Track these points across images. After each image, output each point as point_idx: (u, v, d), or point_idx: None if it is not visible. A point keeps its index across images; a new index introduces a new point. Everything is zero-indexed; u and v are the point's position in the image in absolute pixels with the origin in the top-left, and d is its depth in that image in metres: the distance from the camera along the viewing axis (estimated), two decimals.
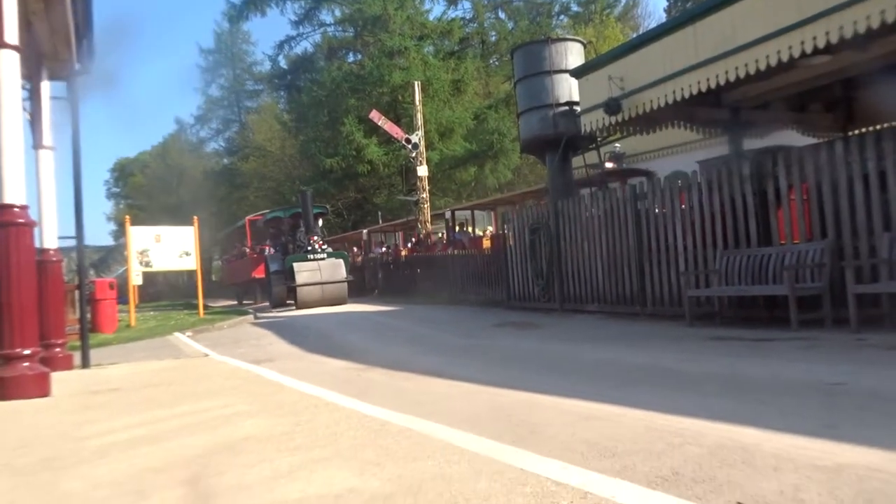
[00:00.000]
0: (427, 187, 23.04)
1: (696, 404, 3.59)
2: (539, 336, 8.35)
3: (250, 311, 18.23)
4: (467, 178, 32.11)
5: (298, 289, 16.83)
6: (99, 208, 73.81)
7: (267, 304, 19.97)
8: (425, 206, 22.69)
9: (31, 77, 6.70)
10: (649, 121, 9.80)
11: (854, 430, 2.86)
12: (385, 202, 31.93)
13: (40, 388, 4.72)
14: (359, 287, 21.04)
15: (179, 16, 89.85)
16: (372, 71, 30.46)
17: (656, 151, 18.51)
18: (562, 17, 40.39)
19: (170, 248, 16.35)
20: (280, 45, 39.06)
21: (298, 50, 39.03)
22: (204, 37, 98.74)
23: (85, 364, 6.79)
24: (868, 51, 7.17)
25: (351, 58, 37.10)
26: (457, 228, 22.14)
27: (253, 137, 43.90)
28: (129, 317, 15.12)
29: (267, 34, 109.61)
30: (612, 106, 9.06)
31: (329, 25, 37.42)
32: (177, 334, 11.89)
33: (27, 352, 4.71)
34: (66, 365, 6.50)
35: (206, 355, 7.81)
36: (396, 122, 25.79)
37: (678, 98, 8.24)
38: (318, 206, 21.75)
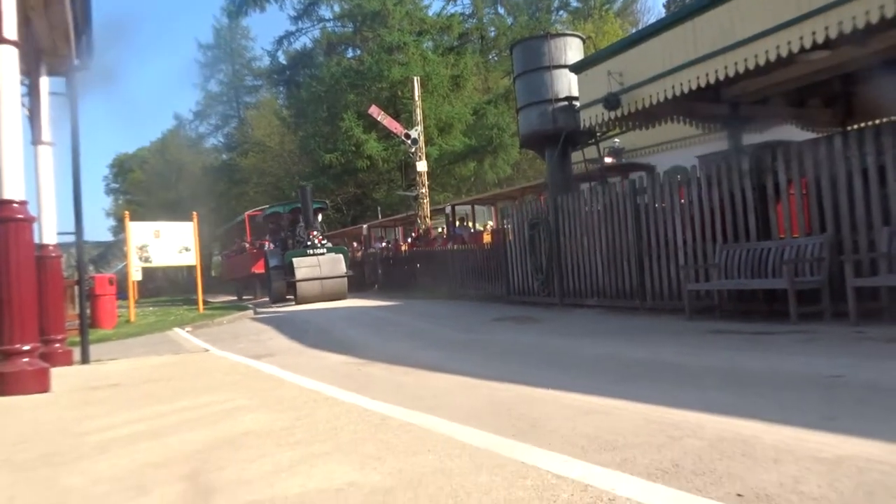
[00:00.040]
0: (426, 182, 23.01)
1: (696, 398, 3.60)
2: (539, 330, 8.36)
3: (250, 306, 18.22)
4: (467, 174, 32.08)
5: (298, 284, 16.83)
6: (98, 204, 73.87)
7: (266, 299, 19.98)
8: (425, 201, 22.67)
9: (30, 73, 6.69)
10: (648, 116, 9.79)
11: (853, 422, 2.86)
12: (384, 197, 31.90)
13: (40, 384, 4.72)
14: (358, 282, 21.04)
15: (178, 11, 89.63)
16: (371, 66, 30.41)
17: (656, 146, 18.49)
18: (561, 12, 40.37)
19: (169, 243, 16.33)
20: (279, 41, 38.97)
21: (297, 45, 38.94)
22: (203, 32, 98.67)
23: (84, 359, 6.80)
24: (867, 46, 7.16)
25: (350, 53, 37.02)
26: (457, 223, 22.13)
27: (252, 133, 43.85)
28: (128, 312, 15.11)
29: (266, 30, 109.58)
30: (611, 101, 9.05)
31: (328, 21, 37.32)
32: (176, 330, 11.89)
33: (27, 347, 4.71)
34: (66, 360, 6.51)
35: (206, 351, 7.82)
36: (396, 117, 25.76)
37: (677, 93, 8.23)
38: (318, 201, 21.74)
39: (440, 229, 24.02)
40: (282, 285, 18.04)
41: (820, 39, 6.44)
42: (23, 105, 6.28)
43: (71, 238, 7.20)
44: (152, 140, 57.56)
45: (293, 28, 37.55)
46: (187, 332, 11.55)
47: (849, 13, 6.15)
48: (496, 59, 36.76)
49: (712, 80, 7.76)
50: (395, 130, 23.56)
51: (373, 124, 27.40)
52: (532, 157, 28.78)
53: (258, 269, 22.12)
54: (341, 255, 17.97)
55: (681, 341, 6.36)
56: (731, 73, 7.46)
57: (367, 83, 30.69)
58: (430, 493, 2.07)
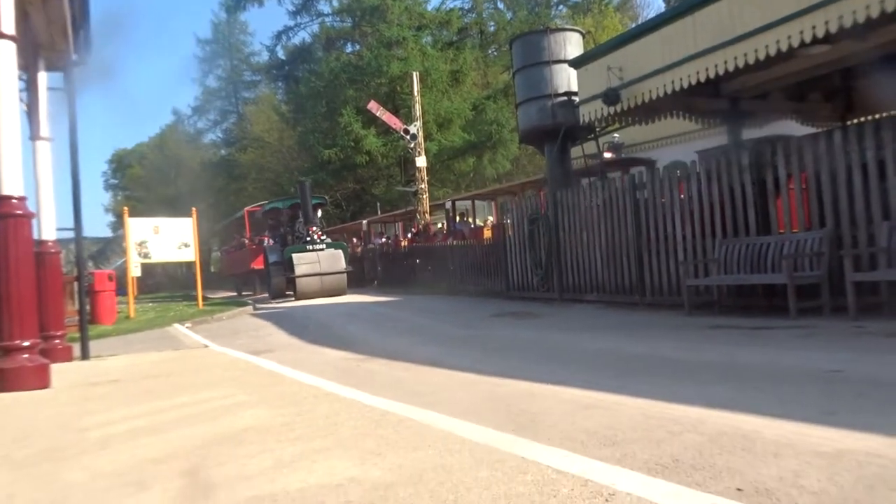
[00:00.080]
0: (426, 178, 22.99)
1: (696, 393, 3.60)
2: (538, 326, 8.37)
3: (249, 302, 18.22)
4: (466, 169, 32.06)
5: (297, 280, 16.83)
6: (97, 200, 73.66)
7: (266, 295, 19.98)
8: (424, 196, 22.66)
9: (28, 68, 6.67)
10: (648, 111, 9.78)
11: (853, 416, 2.87)
12: (384, 193, 31.89)
13: (40, 380, 4.72)
14: (358, 278, 21.04)
15: (177, 6, 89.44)
16: (370, 61, 30.35)
17: (655, 141, 18.49)
18: (560, 7, 40.26)
19: (168, 239, 16.32)
20: (278, 36, 38.92)
21: (296, 40, 38.90)
22: (201, 27, 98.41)
23: (84, 355, 6.80)
24: (867, 40, 7.15)
25: (349, 48, 36.96)
26: (457, 219, 22.12)
27: (251, 128, 43.79)
28: (128, 308, 15.12)
29: (264, 25, 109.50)
30: (610, 96, 9.04)
31: (327, 16, 37.27)
32: (176, 325, 11.90)
33: (26, 343, 4.71)
34: (66, 356, 6.51)
35: (206, 346, 7.82)
36: (395, 112, 25.72)
37: (677, 88, 8.22)
38: (317, 196, 21.73)
39: (440, 225, 24.01)
40: (281, 281, 18.04)
41: (820, 34, 6.43)
42: (21, 100, 6.27)
43: (70, 234, 7.19)
44: (151, 135, 57.49)
45: (292, 23, 37.53)
46: (187, 328, 11.56)
47: (849, 7, 6.14)
48: (495, 53, 36.68)
49: (712, 75, 7.75)
50: (394, 126, 23.53)
51: (372, 120, 27.38)
52: (531, 153, 28.76)
53: (257, 264, 22.12)
54: (341, 251, 17.97)
55: (680, 336, 6.36)
56: (731, 68, 7.45)
57: (366, 78, 30.64)
58: (430, 488, 2.07)
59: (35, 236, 5.47)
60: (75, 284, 8.89)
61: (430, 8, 35.41)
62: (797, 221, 7.51)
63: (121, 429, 3.26)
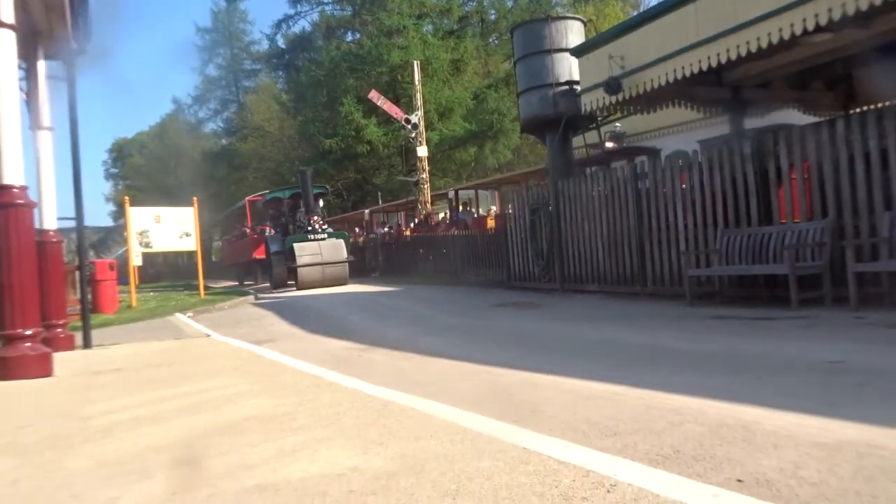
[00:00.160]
0: (427, 168, 22.96)
1: (697, 383, 3.61)
2: (539, 316, 8.38)
3: (251, 291, 18.25)
4: (467, 159, 31.99)
5: (299, 269, 16.83)
6: (97, 189, 73.66)
7: (267, 284, 20.00)
8: (425, 186, 22.63)
9: (27, 57, 6.64)
10: (650, 100, 9.73)
11: (853, 407, 2.87)
12: (385, 183, 31.84)
13: (42, 368, 4.74)
14: (359, 267, 21.05)
15: None
16: (371, 50, 30.21)
17: (657, 131, 18.42)
18: None
19: (170, 228, 16.32)
20: (278, 24, 38.81)
21: (296, 29, 38.76)
22: (201, 15, 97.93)
23: (86, 344, 6.82)
24: (870, 28, 7.10)
25: (349, 37, 36.81)
26: (460, 208, 22.10)
27: (251, 118, 43.68)
28: (129, 297, 15.14)
29: (264, 13, 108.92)
30: (612, 85, 9.00)
31: (327, 4, 37.09)
32: (178, 315, 11.92)
33: (29, 332, 4.73)
34: (68, 345, 6.53)
35: (208, 336, 7.84)
36: (395, 102, 25.65)
37: (679, 77, 8.18)
38: (318, 186, 21.69)
39: (442, 215, 23.99)
40: (283, 271, 18.05)
41: (823, 21, 6.39)
42: (21, 89, 6.25)
43: (71, 223, 7.19)
44: (151, 125, 57.39)
45: (292, 11, 37.38)
46: (188, 317, 11.58)
47: None
48: (496, 42, 36.50)
49: (714, 64, 7.71)
50: (395, 115, 23.48)
51: (373, 109, 27.30)
52: (533, 142, 28.68)
53: (259, 254, 22.13)
54: (342, 241, 17.95)
55: (681, 327, 6.37)
56: (734, 57, 7.41)
57: (366, 67, 30.52)
58: (432, 478, 2.08)
59: (36, 226, 5.48)
60: (77, 273, 8.90)
61: None
62: (799, 211, 7.50)
63: (123, 417, 3.27)
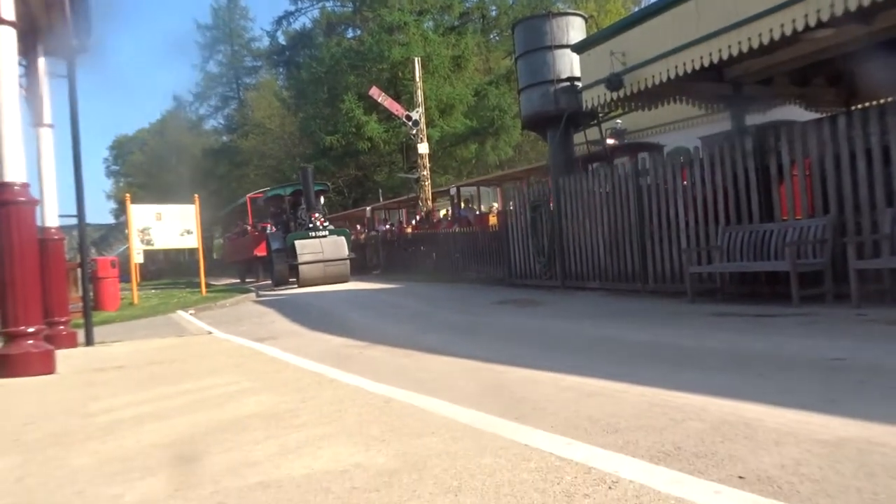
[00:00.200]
0: (428, 165, 22.96)
1: (698, 380, 3.61)
2: (540, 313, 8.38)
3: (252, 289, 18.27)
4: (468, 156, 31.98)
5: (300, 267, 16.82)
6: (98, 186, 73.77)
7: (269, 282, 20.01)
8: (426, 183, 22.62)
9: (28, 54, 6.64)
10: (651, 96, 9.72)
11: (855, 404, 2.88)
12: (386, 180, 31.84)
13: (45, 366, 4.75)
14: (361, 265, 21.04)
15: None
16: (371, 47, 30.19)
17: (658, 127, 18.40)
18: None
19: (171, 226, 16.33)
20: (278, 21, 38.87)
21: (297, 26, 38.80)
22: (201, 12, 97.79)
23: (89, 342, 6.83)
24: (872, 24, 7.08)
25: (350, 33, 36.81)
26: (462, 205, 22.08)
27: (252, 115, 43.69)
28: (131, 295, 15.16)
29: (265, 10, 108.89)
30: (613, 81, 8.98)
31: (328, 0, 37.05)
32: (179, 312, 11.93)
33: (31, 329, 4.74)
34: (70, 342, 6.54)
35: (209, 333, 7.85)
36: (396, 98, 25.62)
37: (680, 73, 8.16)
38: (319, 183, 21.66)
39: (444, 212, 23.98)
40: (284, 268, 18.04)
41: (824, 17, 6.37)
42: (21, 86, 6.25)
43: (72, 221, 7.20)
44: (152, 121, 57.40)
45: (292, 8, 37.44)
46: (190, 314, 11.59)
47: None
48: (497, 38, 36.47)
49: (716, 60, 7.69)
50: (395, 112, 23.47)
51: (373, 106, 27.30)
52: (534, 139, 28.67)
53: (260, 251, 22.13)
54: (344, 238, 17.94)
55: (683, 324, 6.38)
56: (735, 53, 7.39)
57: (367, 64, 30.50)
58: (434, 474, 2.08)
59: (38, 223, 5.49)
60: (78, 271, 8.91)
61: None
62: (800, 208, 7.48)
63: (126, 414, 3.28)
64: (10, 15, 4.75)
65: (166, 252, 32.04)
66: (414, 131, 22.62)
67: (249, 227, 25.04)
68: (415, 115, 22.29)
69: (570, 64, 11.45)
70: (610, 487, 1.88)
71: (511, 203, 13.00)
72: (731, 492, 1.83)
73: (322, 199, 20.61)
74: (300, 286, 16.78)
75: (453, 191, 22.86)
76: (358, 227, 27.63)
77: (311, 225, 17.69)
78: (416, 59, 23.61)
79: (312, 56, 34.89)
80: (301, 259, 16.78)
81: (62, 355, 5.21)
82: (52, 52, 7.03)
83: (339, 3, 37.03)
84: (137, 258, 16.21)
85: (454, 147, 31.31)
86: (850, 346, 4.37)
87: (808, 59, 8.84)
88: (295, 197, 20.27)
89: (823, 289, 6.68)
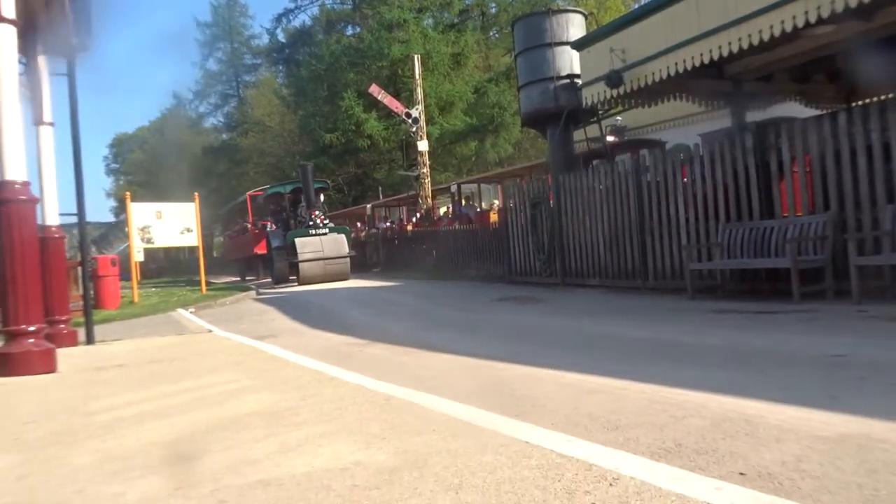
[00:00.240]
0: (427, 162, 22.93)
1: (699, 377, 3.61)
2: (540, 310, 8.38)
3: (252, 287, 18.27)
4: (468, 153, 31.95)
5: (300, 264, 16.83)
6: (98, 184, 73.79)
7: (269, 279, 20.02)
8: (426, 181, 22.61)
9: (28, 52, 6.63)
10: (651, 93, 9.70)
11: (855, 401, 2.88)
12: (385, 177, 31.83)
13: (46, 364, 4.75)
14: (361, 262, 21.04)
15: None
16: (371, 44, 30.14)
17: (658, 124, 18.37)
18: None
19: (171, 224, 16.34)
20: (278, 18, 38.77)
21: (296, 23, 38.70)
22: (201, 10, 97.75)
23: (89, 340, 6.83)
24: (872, 20, 7.07)
25: (350, 31, 36.73)
26: (463, 203, 22.06)
27: (252, 112, 43.67)
28: (131, 293, 15.16)
29: (265, 7, 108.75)
30: (613, 78, 8.97)
31: None
32: (179, 310, 11.94)
33: (32, 328, 4.74)
34: (71, 341, 6.55)
35: (210, 331, 7.85)
36: (396, 96, 25.59)
37: (680, 70, 8.15)
38: (319, 181, 21.66)
39: (444, 209, 23.97)
40: (284, 266, 18.04)
41: (825, 14, 6.36)
42: (22, 85, 6.24)
43: (73, 219, 7.20)
44: (151, 119, 57.38)
45: (292, 5, 37.34)
46: (190, 312, 11.60)
47: None
48: (497, 36, 36.40)
49: (716, 57, 7.68)
50: (395, 109, 23.44)
51: (373, 103, 27.26)
52: (534, 136, 28.64)
53: (260, 249, 22.13)
54: (344, 236, 17.94)
55: (683, 321, 6.37)
56: (735, 50, 7.38)
57: (367, 61, 30.45)
58: (435, 472, 2.09)
59: (38, 221, 5.48)
60: (79, 269, 8.91)
61: None
62: (801, 205, 7.48)
63: (127, 413, 3.28)
64: (11, 13, 4.74)
65: (166, 250, 32.05)
66: (414, 129, 22.59)
67: (249, 225, 25.04)
68: (414, 113, 22.26)
69: (569, 61, 11.43)
70: (611, 484, 1.88)
71: (511, 200, 13.00)
72: (732, 488, 1.83)
73: (322, 197, 20.61)
74: (300, 284, 16.79)
75: (454, 188, 22.86)
76: (358, 224, 27.64)
77: (311, 223, 17.69)
78: (415, 56, 23.56)
79: (312, 53, 34.85)
80: (301, 257, 16.78)
81: (63, 354, 5.21)
82: (52, 50, 7.03)
83: (338, 1, 37.01)
84: (138, 256, 16.21)
85: (454, 144, 31.28)
86: (850, 343, 4.37)
87: (809, 56, 8.83)
88: (295, 195, 20.28)
89: (824, 285, 6.68)
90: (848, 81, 10.58)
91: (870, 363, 3.73)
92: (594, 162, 12.27)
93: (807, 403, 2.86)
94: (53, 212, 6.69)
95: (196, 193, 17.15)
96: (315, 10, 37.49)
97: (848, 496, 1.86)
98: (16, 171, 4.73)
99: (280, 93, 40.59)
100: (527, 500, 1.81)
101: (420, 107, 22.41)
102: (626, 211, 9.58)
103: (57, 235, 6.61)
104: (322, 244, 17.14)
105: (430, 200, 22.70)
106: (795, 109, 10.83)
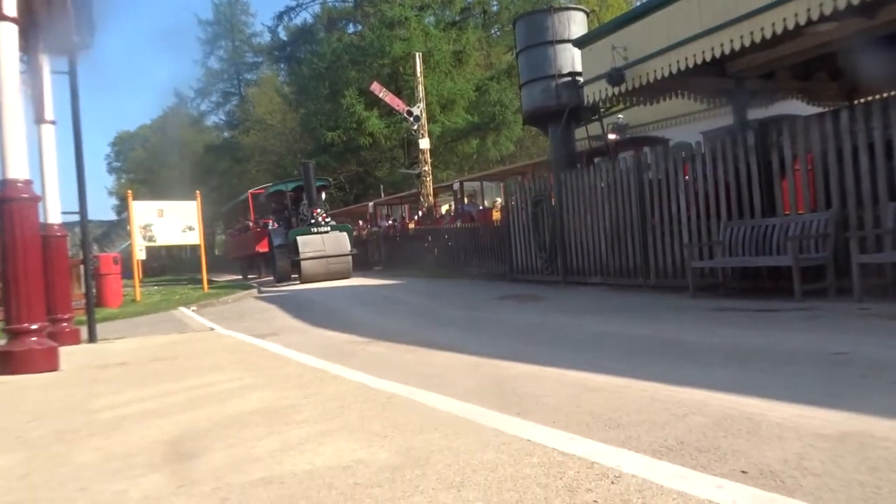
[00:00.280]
0: (429, 160, 22.91)
1: (700, 375, 3.62)
2: (542, 308, 8.38)
3: (254, 285, 18.29)
4: (469, 151, 31.93)
5: (302, 262, 16.83)
6: (100, 183, 73.89)
7: (271, 278, 20.03)
8: (427, 179, 22.59)
9: (29, 50, 6.64)
10: (653, 91, 9.69)
11: (857, 399, 2.88)
12: (387, 175, 31.82)
13: (49, 363, 4.76)
14: (363, 261, 21.05)
15: None
16: (372, 42, 30.12)
17: (660, 122, 18.32)
18: None
19: (173, 222, 16.35)
20: (279, 16, 38.74)
21: (298, 21, 38.73)
22: (202, 8, 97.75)
23: (92, 338, 6.85)
24: (874, 18, 7.06)
25: (351, 29, 36.71)
26: (465, 201, 22.04)
27: (253, 111, 43.68)
28: (133, 291, 15.19)
29: (266, 5, 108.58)
30: (615, 76, 8.96)
31: None
32: (182, 309, 11.95)
33: (35, 326, 4.75)
34: (74, 339, 6.56)
35: (212, 329, 7.86)
36: (397, 94, 25.58)
37: (682, 68, 8.14)
38: (321, 178, 21.66)
39: (446, 207, 23.95)
40: (286, 264, 18.06)
41: (827, 11, 6.35)
42: (23, 83, 6.24)
43: (75, 217, 7.21)
44: (153, 118, 57.40)
45: (293, 3, 37.31)
46: (192, 311, 11.62)
47: None
48: (499, 33, 36.37)
49: (718, 54, 7.67)
50: (397, 107, 23.42)
51: (374, 101, 27.24)
52: (535, 134, 28.63)
53: (262, 247, 22.15)
54: (346, 234, 17.94)
55: (684, 319, 6.37)
56: (737, 47, 7.37)
57: (368, 59, 30.44)
58: (437, 470, 2.09)
59: (40, 220, 5.49)
60: (81, 268, 8.93)
61: None
62: (803, 203, 7.47)
63: (129, 411, 3.29)
64: (12, 11, 4.75)
65: (168, 248, 32.09)
66: (415, 127, 22.57)
67: (251, 223, 25.05)
68: (416, 111, 22.24)
69: (571, 59, 11.42)
70: (613, 482, 1.88)
71: (512, 198, 12.99)
72: (733, 486, 1.84)
73: (324, 195, 20.60)
74: (302, 282, 16.80)
75: (456, 186, 22.84)
76: (360, 222, 27.64)
77: (312, 221, 17.69)
78: (417, 54, 23.53)
79: (313, 51, 34.82)
80: (303, 255, 16.79)
81: (65, 352, 5.22)
82: (53, 48, 7.03)
83: None
84: (139, 255, 16.23)
85: (455, 142, 31.27)
86: (852, 341, 4.37)
87: (811, 54, 8.81)
88: (297, 193, 20.28)
89: (826, 283, 6.68)
90: (850, 79, 10.56)
91: (871, 361, 3.73)
92: (596, 160, 12.25)
93: (808, 401, 2.86)
94: (55, 210, 6.70)
95: (198, 191, 17.15)
96: (316, 7, 37.51)
97: (849, 494, 1.86)
98: (18, 170, 4.74)
99: (281, 91, 40.60)
100: (529, 498, 1.81)
101: (421, 105, 22.38)
102: (627, 209, 9.57)
103: (59, 234, 6.62)
104: (324, 242, 17.14)
105: (431, 198, 22.69)
106: (797, 107, 10.81)
